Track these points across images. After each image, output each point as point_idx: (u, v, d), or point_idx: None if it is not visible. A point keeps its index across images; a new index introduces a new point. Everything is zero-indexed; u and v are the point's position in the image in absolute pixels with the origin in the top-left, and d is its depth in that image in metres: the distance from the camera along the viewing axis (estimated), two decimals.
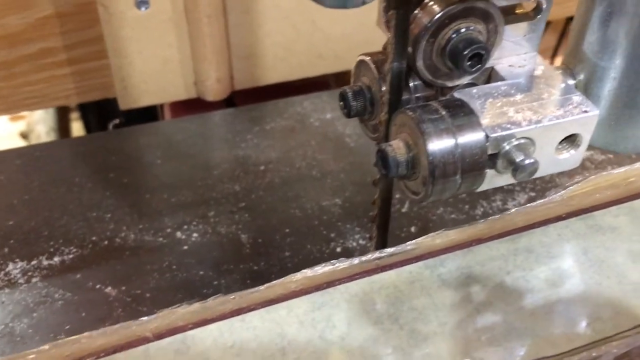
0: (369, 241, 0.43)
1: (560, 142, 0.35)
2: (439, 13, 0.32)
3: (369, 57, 0.36)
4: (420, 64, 0.34)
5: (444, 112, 0.33)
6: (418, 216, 0.70)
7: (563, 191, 0.41)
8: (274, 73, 0.85)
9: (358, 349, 0.33)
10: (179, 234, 0.64)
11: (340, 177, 0.72)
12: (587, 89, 0.38)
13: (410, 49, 0.33)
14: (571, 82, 0.38)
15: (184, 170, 0.72)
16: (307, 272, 0.37)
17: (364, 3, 0.28)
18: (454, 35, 0.33)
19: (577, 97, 0.35)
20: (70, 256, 0.61)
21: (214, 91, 0.82)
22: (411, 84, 0.36)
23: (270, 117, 0.80)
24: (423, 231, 0.66)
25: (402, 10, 0.32)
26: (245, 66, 0.83)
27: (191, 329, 0.34)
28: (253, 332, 0.34)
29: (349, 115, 0.38)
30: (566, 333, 0.34)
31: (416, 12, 0.33)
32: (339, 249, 0.63)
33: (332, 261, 0.38)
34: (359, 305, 0.35)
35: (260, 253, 0.63)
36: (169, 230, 0.65)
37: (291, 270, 0.61)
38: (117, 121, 1.02)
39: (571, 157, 0.36)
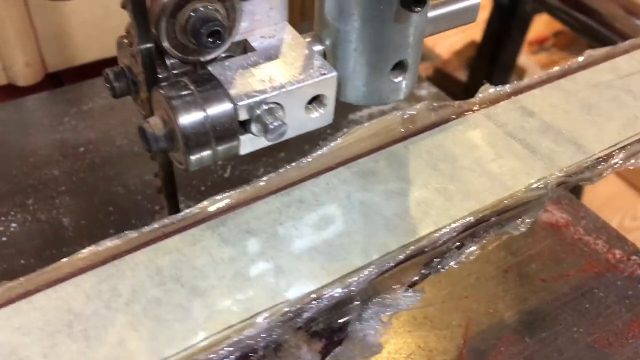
0: (161, 211, 0.45)
1: (310, 103, 0.40)
2: None
3: (125, 39, 0.38)
4: (166, 44, 0.36)
5: (192, 87, 0.36)
6: (240, 179, 0.73)
7: (332, 143, 0.46)
8: (88, 52, 0.84)
9: (141, 312, 0.36)
10: None
11: None
12: (334, 53, 0.42)
13: (153, 30, 0.36)
14: (319, 47, 0.42)
15: None
16: (93, 248, 0.39)
17: None
18: (192, 15, 0.35)
19: (317, 62, 0.40)
20: None
21: (24, 76, 0.80)
22: (168, 62, 0.38)
23: (87, 97, 0.79)
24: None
25: None
26: (55, 47, 0.81)
27: None
28: (40, 312, 0.36)
29: (114, 95, 0.40)
30: (326, 268, 0.39)
31: None
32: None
33: (119, 234, 0.40)
34: (144, 272, 0.38)
35: (83, 235, 0.64)
36: None
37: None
38: None
39: (321, 116, 0.41)
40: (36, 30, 0.79)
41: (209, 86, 0.36)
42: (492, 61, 1.31)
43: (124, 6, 0.34)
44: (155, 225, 0.41)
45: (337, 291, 0.38)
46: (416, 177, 0.45)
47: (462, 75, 1.51)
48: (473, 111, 0.50)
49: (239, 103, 0.36)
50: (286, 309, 0.37)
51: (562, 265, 0.63)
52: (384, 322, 0.41)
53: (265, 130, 0.37)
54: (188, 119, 0.35)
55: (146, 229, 0.41)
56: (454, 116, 0.49)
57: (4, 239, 0.62)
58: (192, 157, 0.36)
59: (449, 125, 0.48)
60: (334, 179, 0.44)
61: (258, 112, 0.37)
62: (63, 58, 0.83)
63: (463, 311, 0.59)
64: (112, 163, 0.71)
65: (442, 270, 0.42)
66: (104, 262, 0.39)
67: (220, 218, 0.42)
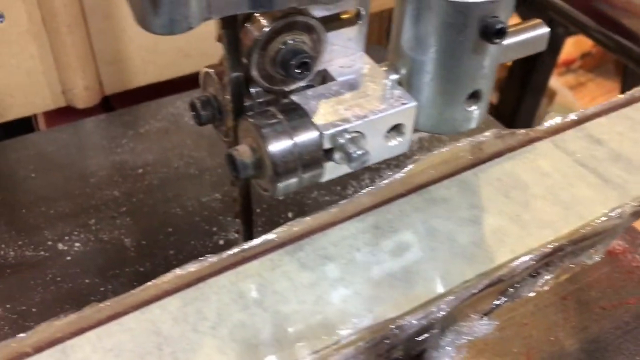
0: (238, 235, 0.46)
1: (388, 132, 0.41)
2: (266, 28, 0.36)
3: (212, 70, 0.40)
4: (255, 73, 0.37)
5: (280, 116, 0.37)
6: (294, 202, 0.74)
7: (402, 170, 0.47)
8: (143, 75, 0.86)
9: (228, 335, 0.37)
10: (60, 245, 0.65)
11: (218, 172, 0.75)
12: (410, 82, 0.43)
13: (245, 61, 0.37)
14: (394, 77, 0.43)
15: (59, 181, 0.73)
16: (177, 271, 0.40)
17: (190, 28, 0.31)
18: (282, 47, 0.37)
19: (397, 92, 0.41)
20: None
21: (83, 98, 0.82)
22: (253, 91, 0.39)
23: (143, 120, 0.81)
24: (300, 215, 0.71)
25: (230, 30, 0.35)
26: (112, 71, 0.84)
27: (69, 338, 0.36)
28: (130, 334, 0.37)
29: (200, 123, 0.41)
30: (406, 295, 0.39)
31: (247, 25, 0.37)
32: (221, 242, 0.66)
33: (200, 258, 0.41)
34: (227, 296, 0.39)
35: (144, 254, 0.65)
36: (49, 243, 0.65)
37: (176, 267, 0.64)
38: None
39: (399, 144, 0.41)
40: (95, 54, 0.81)
41: (296, 115, 0.37)
42: (523, 84, 1.31)
43: (219, 39, 0.36)
44: (235, 250, 0.42)
45: (419, 319, 0.38)
46: (489, 205, 0.45)
47: (493, 97, 1.51)
48: (540, 139, 0.50)
49: (325, 132, 0.37)
50: (369, 336, 0.37)
51: (621, 292, 0.63)
52: (458, 350, 0.42)
53: (349, 158, 0.38)
54: (277, 147, 0.36)
55: (226, 253, 0.42)
56: (521, 144, 0.49)
57: (68, 258, 0.64)
58: (280, 184, 0.37)
59: (517, 153, 0.49)
60: (407, 205, 0.45)
61: (341, 140, 0.38)
62: (119, 81, 0.85)
63: (523, 338, 0.59)
64: (169, 185, 0.73)
65: (517, 299, 0.43)
66: (188, 285, 0.40)
67: (297, 243, 0.42)
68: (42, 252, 0.64)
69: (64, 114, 0.88)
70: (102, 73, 0.83)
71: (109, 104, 0.91)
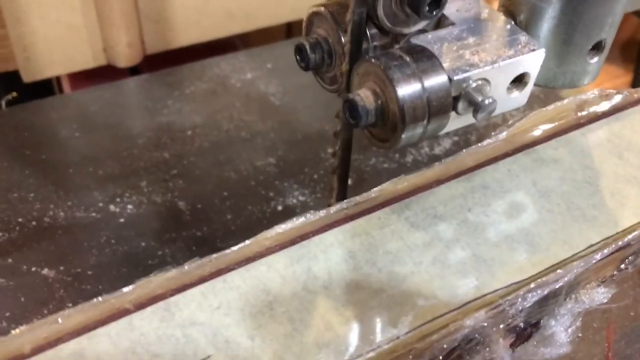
0: (329, 192, 0.43)
1: (512, 81, 0.37)
2: None
3: (324, 8, 0.36)
4: (380, 12, 0.34)
5: (407, 58, 0.33)
6: (352, 168, 0.71)
7: (507, 129, 0.43)
8: (186, 35, 0.83)
9: (343, 296, 0.34)
10: (112, 207, 0.62)
11: (270, 136, 0.71)
12: (528, 29, 0.40)
13: None
14: (512, 23, 0.39)
15: (105, 141, 0.69)
16: (279, 228, 0.37)
17: None
18: None
19: (523, 37, 0.37)
20: None
21: (125, 57, 0.79)
22: (369, 33, 0.36)
23: (188, 81, 0.78)
24: (359, 182, 0.68)
25: None
26: (156, 29, 0.80)
27: (172, 295, 0.33)
28: (237, 292, 0.34)
29: (306, 68, 0.37)
30: (529, 259, 0.36)
31: None
32: (280, 207, 0.63)
33: (302, 214, 0.38)
34: (336, 254, 0.36)
35: (201, 219, 0.62)
36: (100, 204, 0.62)
37: (236, 233, 0.61)
38: (10, 96, 0.94)
39: (520, 96, 0.38)
40: (139, 11, 0.77)
41: (425, 57, 0.34)
42: None
43: None
44: (338, 207, 0.39)
45: (547, 285, 0.35)
46: (603, 167, 0.42)
47: None
48: None
49: (454, 78, 0.34)
50: (495, 302, 0.34)
51: None
52: (574, 319, 0.39)
53: (476, 107, 0.35)
54: (407, 90, 0.33)
55: (331, 209, 0.38)
56: (627, 104, 0.46)
57: (121, 220, 0.61)
58: (405, 134, 0.33)
59: (624, 114, 0.46)
60: (515, 165, 0.42)
61: (467, 88, 0.35)
62: (162, 40, 0.81)
63: (603, 312, 0.56)
64: (221, 147, 0.70)
65: (638, 266, 0.40)
66: (292, 242, 0.36)
67: (403, 202, 0.39)
68: (94, 214, 0.61)
69: (91, 76, 0.84)
70: (145, 30, 0.79)
71: (136, 68, 0.87)
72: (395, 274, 0.35)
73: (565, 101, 0.45)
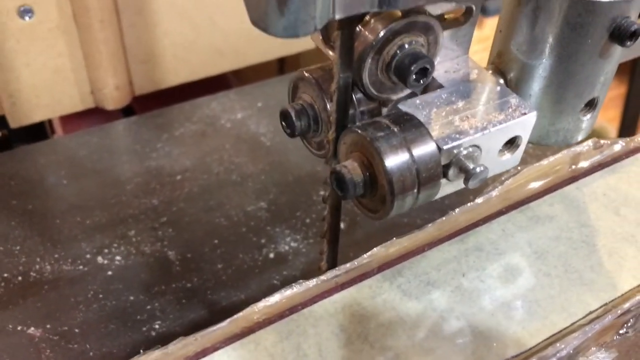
0: (320, 253, 0.42)
1: (504, 145, 0.36)
2: (382, 30, 0.31)
3: (309, 74, 0.35)
4: (366, 80, 0.33)
5: (395, 128, 0.32)
6: (344, 211, 0.70)
7: (499, 186, 0.42)
8: (175, 75, 0.82)
9: None
10: (100, 259, 0.60)
11: (262, 179, 0.70)
12: (518, 88, 0.39)
13: (355, 66, 0.32)
14: (502, 82, 0.39)
15: (93, 188, 0.68)
16: (268, 301, 0.36)
17: (314, 30, 0.27)
18: (398, 51, 0.32)
19: (514, 100, 0.36)
20: None
21: (113, 99, 0.77)
22: (354, 98, 0.35)
23: (178, 122, 0.77)
24: (352, 225, 0.67)
25: (346, 30, 0.31)
26: (144, 70, 0.79)
27: None
28: None
29: (292, 135, 0.36)
30: (526, 328, 0.35)
31: (358, 29, 0.32)
32: (271, 255, 0.62)
33: (291, 285, 0.37)
34: (326, 329, 0.35)
35: (191, 269, 0.60)
36: (88, 256, 0.60)
37: (227, 284, 0.59)
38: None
39: (512, 157, 0.37)
40: (126, 52, 0.76)
41: (412, 127, 0.33)
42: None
43: (331, 42, 0.31)
44: (329, 275, 0.37)
45: (545, 357, 0.34)
46: (600, 224, 0.41)
47: None
48: None
49: (444, 147, 0.33)
50: None
51: None
52: None
53: (467, 175, 0.34)
54: (395, 161, 0.32)
55: (318, 279, 0.37)
56: (623, 155, 0.45)
57: (109, 273, 0.59)
58: (395, 204, 0.32)
59: (620, 165, 0.45)
60: (509, 224, 0.41)
61: (457, 155, 0.34)
62: (151, 81, 0.80)
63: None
64: (211, 192, 0.68)
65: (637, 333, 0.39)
66: (281, 316, 0.35)
67: (395, 267, 0.38)
68: (81, 267, 0.59)
69: (84, 118, 0.83)
70: (133, 72, 0.78)
71: (129, 108, 0.86)
72: (388, 349, 0.34)
73: (559, 155, 0.44)
